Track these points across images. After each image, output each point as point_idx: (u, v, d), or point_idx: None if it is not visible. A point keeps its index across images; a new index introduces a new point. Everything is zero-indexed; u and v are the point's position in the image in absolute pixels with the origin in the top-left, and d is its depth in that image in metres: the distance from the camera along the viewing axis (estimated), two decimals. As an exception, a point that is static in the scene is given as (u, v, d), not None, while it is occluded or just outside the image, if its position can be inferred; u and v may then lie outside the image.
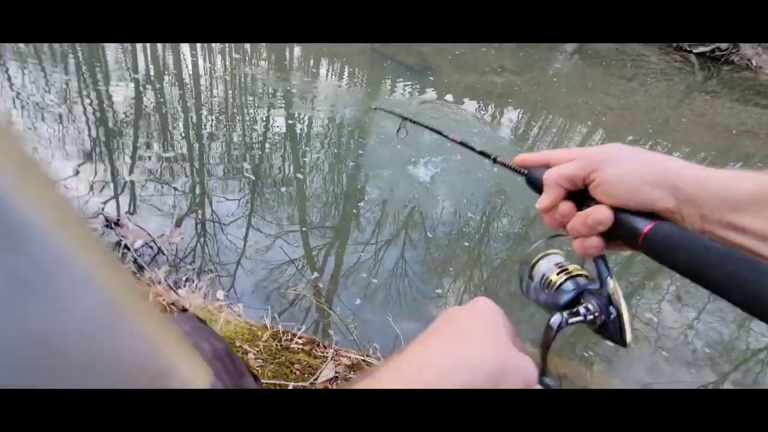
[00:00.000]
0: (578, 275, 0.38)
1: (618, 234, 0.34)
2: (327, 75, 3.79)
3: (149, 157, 2.42)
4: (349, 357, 1.10)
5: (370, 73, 3.88)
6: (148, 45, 3.50)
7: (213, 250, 1.93)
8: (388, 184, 2.63)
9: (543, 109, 4.00)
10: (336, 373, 1.02)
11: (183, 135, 2.69)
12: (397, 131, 0.71)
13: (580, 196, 0.36)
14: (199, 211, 2.16)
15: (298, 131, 2.99)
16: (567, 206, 0.36)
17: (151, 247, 1.89)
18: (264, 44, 3.97)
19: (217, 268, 1.83)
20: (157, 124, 2.72)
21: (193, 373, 0.19)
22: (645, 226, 0.32)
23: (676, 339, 2.14)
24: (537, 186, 0.39)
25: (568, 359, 1.91)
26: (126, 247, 1.83)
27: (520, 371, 0.28)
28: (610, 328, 0.35)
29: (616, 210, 0.34)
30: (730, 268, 0.27)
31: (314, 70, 3.81)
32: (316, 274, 1.88)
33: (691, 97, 4.95)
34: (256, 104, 3.16)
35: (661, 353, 2.05)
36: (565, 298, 0.37)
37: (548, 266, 0.40)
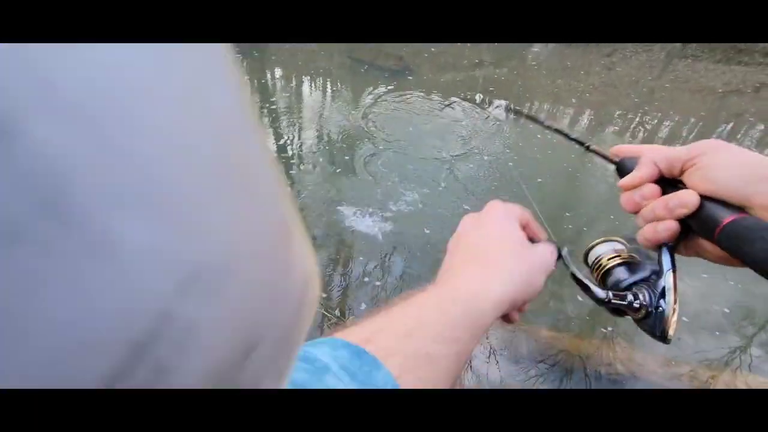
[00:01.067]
0: (634, 261, 0.37)
1: (697, 222, 0.33)
2: (310, 92, 3.80)
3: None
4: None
5: (352, 83, 3.90)
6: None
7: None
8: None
9: (527, 97, 4.00)
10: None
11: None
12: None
13: (669, 184, 0.35)
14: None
15: (288, 154, 2.98)
16: (652, 188, 0.35)
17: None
18: (244, 68, 4.00)
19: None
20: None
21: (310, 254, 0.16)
22: (729, 215, 0.31)
23: (696, 305, 2.09)
24: (627, 172, 0.38)
25: (588, 340, 1.86)
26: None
27: (539, 265, 0.34)
28: (653, 322, 0.34)
29: (704, 197, 0.33)
30: None
31: (296, 87, 3.82)
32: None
33: (672, 64, 4.95)
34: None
35: (682, 320, 2.00)
36: (613, 280, 0.37)
37: (605, 250, 0.39)
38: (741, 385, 1.75)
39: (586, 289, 0.36)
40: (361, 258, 2.12)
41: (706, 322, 2.00)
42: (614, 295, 0.35)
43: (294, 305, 0.12)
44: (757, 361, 1.87)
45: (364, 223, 2.37)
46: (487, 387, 1.54)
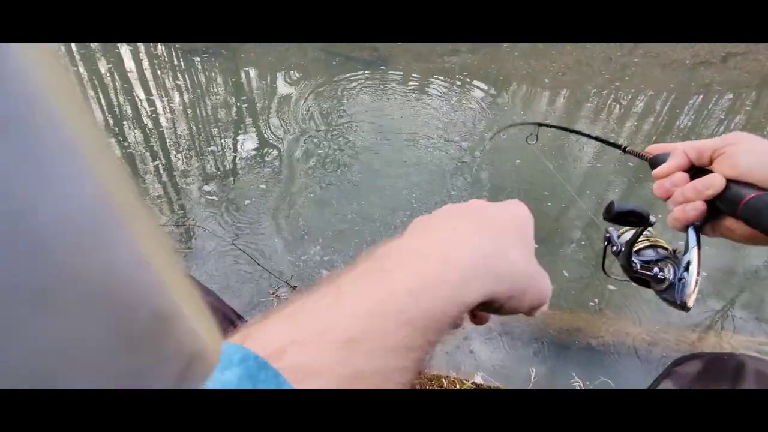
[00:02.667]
0: (661, 246, 0.43)
1: (723, 201, 0.36)
2: (288, 89, 3.73)
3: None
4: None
5: (327, 78, 3.84)
6: (101, 93, 3.40)
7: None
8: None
9: (504, 82, 4.01)
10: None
11: (155, 177, 2.60)
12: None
13: (698, 172, 0.39)
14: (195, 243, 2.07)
15: (265, 159, 2.92)
16: (682, 176, 0.39)
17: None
18: (218, 71, 3.90)
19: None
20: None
21: (204, 329, 0.15)
22: (752, 192, 0.34)
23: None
24: (659, 164, 0.43)
25: (578, 314, 1.88)
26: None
27: (540, 287, 0.27)
28: (675, 292, 0.39)
29: (729, 180, 0.36)
30: None
31: (273, 86, 3.75)
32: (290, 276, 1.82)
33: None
34: (222, 133, 3.08)
35: None
36: (642, 259, 0.42)
37: (633, 235, 0.43)
38: (726, 347, 1.80)
39: (627, 258, 0.41)
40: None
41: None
42: (642, 266, 0.40)
43: (171, 384, 0.13)
44: (740, 322, 1.93)
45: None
46: (481, 371, 1.55)
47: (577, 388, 1.21)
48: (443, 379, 0.96)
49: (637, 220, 0.40)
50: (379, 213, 2.34)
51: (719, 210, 0.37)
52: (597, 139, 0.52)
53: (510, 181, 2.70)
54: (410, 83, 3.85)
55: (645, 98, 3.91)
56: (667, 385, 0.55)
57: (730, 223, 0.37)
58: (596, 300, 1.93)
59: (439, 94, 3.66)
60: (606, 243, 0.46)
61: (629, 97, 3.91)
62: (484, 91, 3.77)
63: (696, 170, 0.40)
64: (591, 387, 1.46)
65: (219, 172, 2.62)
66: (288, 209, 2.33)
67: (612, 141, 0.49)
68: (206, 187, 2.47)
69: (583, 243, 2.26)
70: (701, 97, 3.96)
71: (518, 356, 1.65)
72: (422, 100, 3.55)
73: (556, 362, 1.66)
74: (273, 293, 1.60)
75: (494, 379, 1.37)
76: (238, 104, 3.35)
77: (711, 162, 0.38)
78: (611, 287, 1.99)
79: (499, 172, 2.75)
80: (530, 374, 1.41)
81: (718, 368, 0.53)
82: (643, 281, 0.42)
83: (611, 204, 0.42)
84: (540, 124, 0.67)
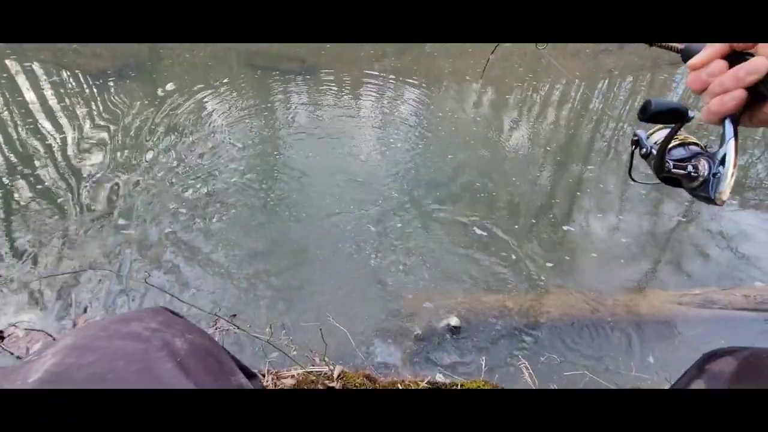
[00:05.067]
0: (692, 143, 0.42)
1: (766, 85, 0.34)
2: (215, 108, 3.55)
3: (21, 255, 2.05)
4: (294, 375, 0.98)
5: (258, 92, 3.72)
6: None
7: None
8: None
9: (431, 84, 4.13)
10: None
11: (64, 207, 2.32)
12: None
13: (737, 57, 0.36)
14: (102, 287, 1.87)
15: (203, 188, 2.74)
16: (719, 64, 0.35)
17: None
18: (139, 93, 3.63)
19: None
20: (25, 218, 2.32)
21: None
22: None
23: (602, 243, 2.31)
24: (693, 55, 0.39)
25: (524, 294, 1.95)
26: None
27: None
28: (709, 186, 0.38)
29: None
30: None
31: (203, 106, 3.55)
32: (226, 311, 1.72)
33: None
34: (143, 157, 2.85)
35: (592, 256, 2.19)
36: (674, 157, 0.41)
37: (664, 134, 0.42)
38: (656, 302, 1.95)
39: (661, 158, 0.39)
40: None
41: (613, 254, 2.22)
42: (674, 165, 0.39)
43: None
44: (666, 277, 2.11)
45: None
46: (441, 367, 1.55)
47: (524, 368, 1.24)
48: (399, 384, 0.94)
49: (675, 116, 0.38)
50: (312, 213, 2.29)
51: (761, 96, 0.35)
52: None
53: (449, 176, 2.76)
54: (344, 89, 3.85)
55: (560, 86, 4.23)
56: (698, 385, 0.49)
57: None
58: (543, 278, 2.02)
59: (374, 94, 3.69)
60: (633, 147, 0.44)
61: (547, 86, 4.21)
62: (417, 88, 3.86)
63: (735, 56, 0.36)
64: (535, 366, 1.51)
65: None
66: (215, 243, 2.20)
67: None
68: (123, 225, 2.26)
69: (532, 227, 2.36)
70: (606, 81, 4.36)
71: (470, 349, 1.68)
72: (359, 101, 3.55)
73: (508, 346, 1.70)
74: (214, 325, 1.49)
75: (452, 374, 1.37)
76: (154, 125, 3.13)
77: (756, 46, 0.35)
78: (549, 264, 2.09)
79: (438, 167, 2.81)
80: (481, 364, 1.43)
81: (757, 366, 0.46)
82: (675, 180, 0.41)
83: (647, 103, 0.40)
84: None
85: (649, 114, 0.39)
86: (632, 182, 0.44)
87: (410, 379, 1.00)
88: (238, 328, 1.21)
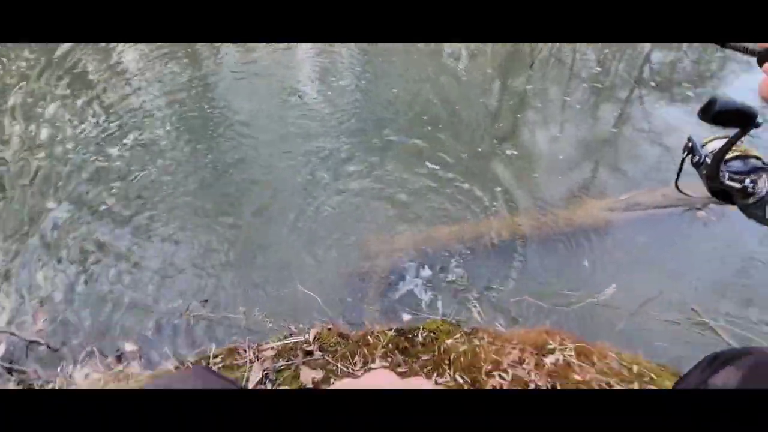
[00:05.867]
0: (753, 156, 0.38)
1: None
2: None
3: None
4: (273, 347, 1.06)
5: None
6: None
7: (89, 317, 1.64)
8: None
9: None
10: (264, 370, 0.98)
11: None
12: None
13: None
14: (57, 280, 1.78)
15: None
16: None
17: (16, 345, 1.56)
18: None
19: (104, 333, 1.58)
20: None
21: None
22: None
23: (547, 159, 2.46)
24: None
25: (476, 227, 2.09)
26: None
27: None
28: (765, 207, 0.34)
29: None
30: None
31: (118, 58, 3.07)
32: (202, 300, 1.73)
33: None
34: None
35: (533, 177, 2.34)
36: (731, 169, 0.37)
37: (722, 143, 0.38)
38: (592, 211, 2.17)
39: (716, 166, 0.36)
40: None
41: (554, 171, 2.38)
42: (730, 177, 0.36)
43: None
44: (603, 185, 2.32)
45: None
46: (408, 309, 1.69)
47: (472, 307, 1.39)
48: (369, 336, 1.04)
49: (741, 119, 0.35)
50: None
51: None
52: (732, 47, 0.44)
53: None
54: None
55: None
56: (716, 382, 0.44)
57: None
58: (495, 204, 2.16)
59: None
60: (685, 153, 0.40)
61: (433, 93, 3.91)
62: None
63: None
64: (486, 299, 1.67)
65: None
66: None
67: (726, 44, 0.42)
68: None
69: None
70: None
71: (431, 286, 1.83)
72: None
73: (465, 278, 1.87)
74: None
75: (416, 312, 1.52)
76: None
77: None
78: (498, 189, 2.21)
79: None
80: (439, 302, 1.56)
81: (764, 374, 0.42)
82: (727, 194, 0.37)
83: (712, 101, 0.35)
84: None
85: (713, 113, 0.35)
86: (679, 193, 0.42)
87: (378, 329, 1.11)
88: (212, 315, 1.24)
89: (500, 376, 0.95)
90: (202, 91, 2.79)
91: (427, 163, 2.34)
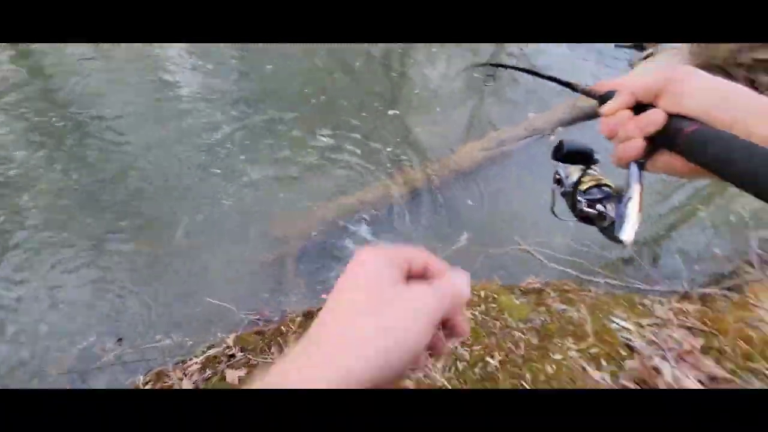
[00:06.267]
0: (605, 184, 0.44)
1: (663, 136, 0.36)
2: None
3: None
4: (197, 361, 1.17)
5: None
6: None
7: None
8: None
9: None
10: (194, 383, 1.10)
11: None
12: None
13: (641, 109, 0.39)
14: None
15: None
16: (626, 113, 0.39)
17: None
18: None
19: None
20: None
21: None
22: (693, 125, 0.34)
23: (429, 115, 2.64)
24: (608, 101, 0.41)
25: (375, 191, 2.26)
26: None
27: (410, 318, 0.25)
28: (614, 227, 0.39)
29: (670, 115, 0.36)
30: (757, 160, 0.29)
31: None
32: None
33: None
34: None
35: (418, 131, 2.54)
36: (588, 197, 0.42)
37: (579, 175, 0.45)
38: (469, 154, 2.46)
39: (573, 198, 0.42)
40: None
41: (436, 123, 2.60)
42: (588, 204, 0.41)
43: None
44: (480, 127, 2.60)
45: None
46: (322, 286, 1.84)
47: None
48: (290, 325, 1.19)
49: (584, 158, 0.40)
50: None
51: (658, 145, 0.37)
52: (551, 79, 0.50)
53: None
54: None
55: None
56: None
57: (670, 158, 0.37)
58: (388, 166, 2.32)
59: None
60: (555, 184, 0.46)
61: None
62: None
63: (642, 107, 0.38)
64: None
65: None
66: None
67: (565, 81, 0.48)
68: None
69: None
70: None
71: (340, 257, 1.99)
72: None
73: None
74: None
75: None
76: None
77: (656, 97, 0.38)
78: (389, 149, 2.36)
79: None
80: None
81: None
82: (589, 219, 0.42)
83: (561, 143, 0.41)
84: (498, 65, 0.64)
85: (563, 154, 0.41)
86: (557, 219, 0.47)
87: (290, 317, 1.27)
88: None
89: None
90: (50, 92, 2.41)
91: (320, 138, 2.38)
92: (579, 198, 0.43)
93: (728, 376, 1.07)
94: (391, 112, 2.59)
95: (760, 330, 1.16)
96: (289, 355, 0.24)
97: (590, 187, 0.43)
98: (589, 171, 0.44)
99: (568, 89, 0.46)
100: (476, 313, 1.26)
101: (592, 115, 3.27)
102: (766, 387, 1.01)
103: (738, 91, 0.35)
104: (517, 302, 1.34)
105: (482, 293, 1.35)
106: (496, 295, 1.35)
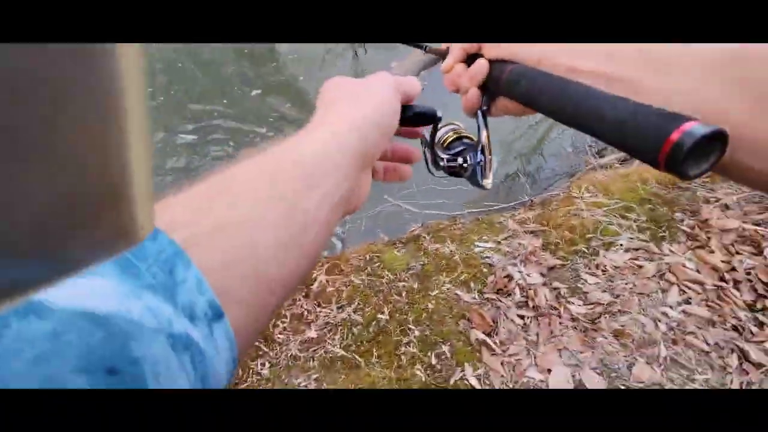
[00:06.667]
0: (465, 136, 0.46)
1: (492, 82, 0.39)
2: None
3: None
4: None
5: None
6: None
7: None
8: None
9: None
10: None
11: None
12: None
13: (472, 59, 0.41)
14: None
15: None
16: (460, 67, 0.41)
17: None
18: None
19: None
20: None
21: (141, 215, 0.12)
22: (508, 67, 0.36)
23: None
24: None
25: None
26: None
27: (383, 101, 0.31)
28: (476, 175, 0.42)
29: (491, 61, 0.38)
30: (554, 87, 0.32)
31: None
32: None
33: None
34: None
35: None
36: (450, 152, 0.45)
37: (445, 131, 0.47)
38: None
39: (433, 155, 0.45)
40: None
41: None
42: (449, 159, 0.44)
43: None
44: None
45: None
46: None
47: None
48: None
49: (430, 119, 0.41)
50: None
51: (494, 92, 0.40)
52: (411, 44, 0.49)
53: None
54: None
55: None
56: None
57: (504, 101, 0.39)
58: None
59: None
60: (423, 146, 0.48)
61: None
62: None
63: (471, 58, 0.40)
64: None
65: None
66: None
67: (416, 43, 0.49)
68: None
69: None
70: None
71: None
72: None
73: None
74: None
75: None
76: None
77: (480, 48, 0.40)
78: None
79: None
80: None
81: None
82: (455, 172, 0.45)
83: (403, 109, 0.43)
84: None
85: (408, 118, 0.43)
86: (433, 175, 0.49)
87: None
88: None
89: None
90: None
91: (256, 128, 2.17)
92: (441, 154, 0.45)
93: (559, 262, 1.33)
94: (254, 93, 2.49)
95: (579, 217, 1.44)
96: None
97: (452, 141, 0.46)
98: (451, 126, 0.47)
99: (419, 50, 0.49)
100: (363, 277, 1.38)
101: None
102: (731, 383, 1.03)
103: None
104: (399, 254, 1.48)
105: (367, 256, 1.47)
106: (379, 254, 1.47)
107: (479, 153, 0.42)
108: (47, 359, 0.13)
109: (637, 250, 1.31)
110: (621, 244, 1.33)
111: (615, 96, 0.27)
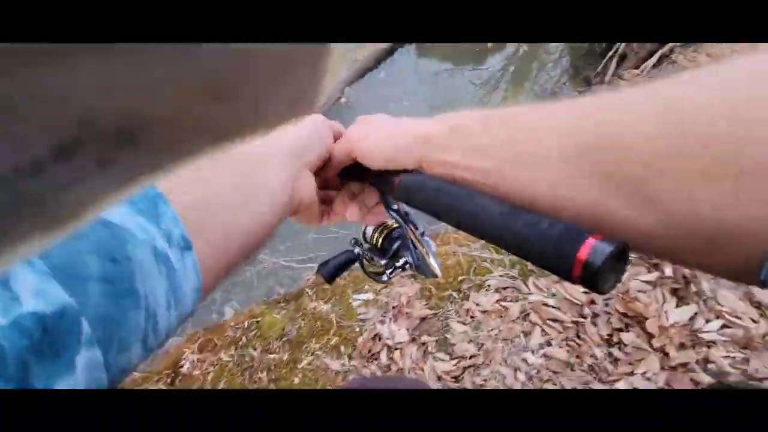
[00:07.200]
0: (393, 228, 0.41)
1: (386, 194, 0.36)
2: None
3: None
4: None
5: None
6: None
7: None
8: None
9: None
10: None
11: None
12: None
13: (354, 170, 0.37)
14: None
15: None
16: (351, 209, 0.38)
17: None
18: None
19: None
20: None
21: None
22: (396, 177, 0.33)
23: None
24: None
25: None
26: None
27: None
28: (423, 268, 0.39)
29: (378, 173, 0.34)
30: (445, 200, 0.29)
31: None
32: None
33: None
34: None
35: None
36: (388, 254, 0.41)
37: (370, 234, 0.42)
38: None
39: (377, 276, 0.41)
40: None
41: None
42: (392, 269, 0.40)
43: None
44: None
45: None
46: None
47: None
48: None
49: (351, 263, 0.40)
50: None
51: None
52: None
53: None
54: None
55: None
56: None
57: None
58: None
59: None
60: (361, 265, 0.44)
61: None
62: None
63: (352, 171, 0.37)
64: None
65: None
66: None
67: None
68: None
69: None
70: None
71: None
72: None
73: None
74: None
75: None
76: None
77: (355, 159, 0.36)
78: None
79: None
80: None
81: None
82: (404, 269, 0.42)
83: (318, 267, 0.41)
84: None
85: (329, 278, 0.40)
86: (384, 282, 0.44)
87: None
88: None
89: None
90: None
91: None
92: (380, 261, 0.42)
93: (431, 312, 1.29)
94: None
95: (456, 255, 1.40)
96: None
97: (384, 241, 0.42)
98: (371, 227, 0.43)
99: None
100: (233, 352, 1.31)
101: (370, 68, 3.36)
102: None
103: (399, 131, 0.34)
104: (278, 317, 1.42)
105: (246, 323, 1.40)
106: (259, 318, 1.40)
107: (414, 250, 0.40)
108: (81, 237, 0.17)
109: (505, 289, 1.28)
110: (489, 285, 1.30)
111: (509, 211, 0.24)
